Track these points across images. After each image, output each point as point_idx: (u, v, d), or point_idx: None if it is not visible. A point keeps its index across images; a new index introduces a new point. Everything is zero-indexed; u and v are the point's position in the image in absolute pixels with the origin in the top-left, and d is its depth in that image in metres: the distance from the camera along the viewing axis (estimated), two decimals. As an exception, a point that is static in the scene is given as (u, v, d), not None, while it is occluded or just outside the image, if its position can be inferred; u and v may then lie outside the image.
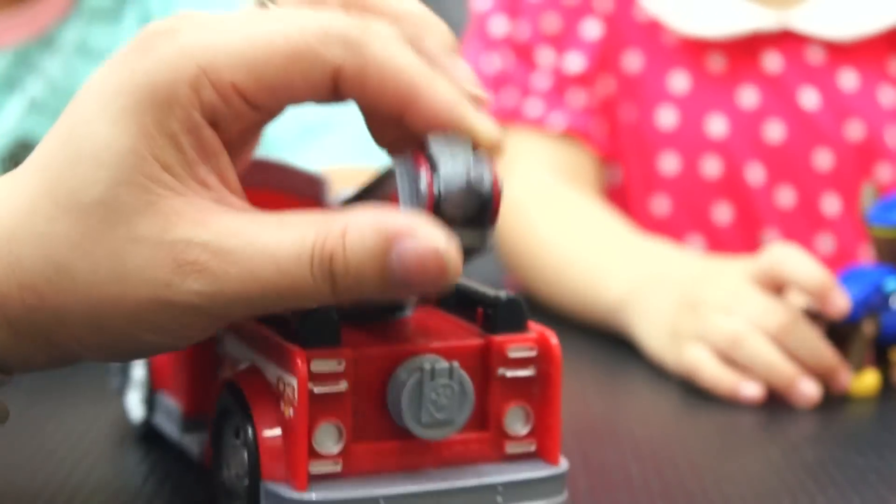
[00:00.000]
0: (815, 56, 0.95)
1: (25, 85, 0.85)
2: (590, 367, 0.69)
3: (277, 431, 0.41)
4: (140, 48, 0.38)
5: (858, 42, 0.95)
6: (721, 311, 0.66)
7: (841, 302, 0.63)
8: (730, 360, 0.65)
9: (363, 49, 0.37)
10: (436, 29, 0.40)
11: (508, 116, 0.95)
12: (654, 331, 0.71)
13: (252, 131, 0.43)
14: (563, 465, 0.43)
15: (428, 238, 0.36)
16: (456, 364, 0.41)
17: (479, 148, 0.39)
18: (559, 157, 0.94)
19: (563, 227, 0.87)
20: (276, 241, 0.37)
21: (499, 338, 0.43)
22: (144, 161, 0.37)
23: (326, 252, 0.36)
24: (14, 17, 0.86)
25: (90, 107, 0.38)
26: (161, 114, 0.37)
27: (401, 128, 0.39)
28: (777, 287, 0.66)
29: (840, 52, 0.95)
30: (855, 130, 0.94)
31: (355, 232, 0.36)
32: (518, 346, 0.43)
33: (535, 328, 0.43)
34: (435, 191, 0.37)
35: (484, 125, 0.39)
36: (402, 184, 0.39)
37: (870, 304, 0.65)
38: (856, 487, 0.50)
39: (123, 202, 0.37)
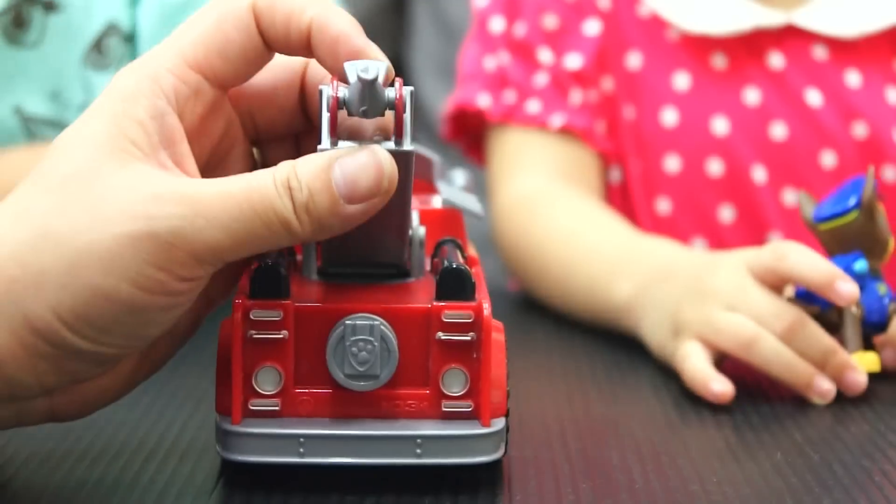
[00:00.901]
0: (820, 54, 0.94)
1: None
2: (591, 368, 0.69)
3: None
4: (113, 78, 0.45)
5: (863, 40, 0.94)
6: (725, 308, 0.66)
7: (849, 287, 0.63)
8: (735, 359, 0.64)
9: None
10: (341, 12, 0.45)
11: (509, 115, 0.94)
12: (658, 324, 0.70)
13: (230, 126, 0.49)
14: (496, 426, 0.47)
15: (363, 151, 0.43)
16: (378, 322, 0.46)
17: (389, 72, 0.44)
18: (560, 155, 0.93)
19: (567, 228, 0.86)
20: (241, 176, 0.43)
21: (438, 304, 0.47)
22: (116, 137, 0.43)
23: (283, 174, 0.43)
24: None
25: (73, 123, 0.45)
26: (129, 104, 0.43)
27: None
28: (778, 282, 0.65)
29: (845, 50, 0.94)
30: (860, 130, 0.94)
31: (302, 160, 0.43)
32: (453, 313, 0.47)
33: (481, 297, 0.47)
34: (340, 94, 0.43)
35: (376, 52, 0.45)
36: (321, 100, 0.44)
37: None
38: (862, 489, 0.50)
39: (99, 167, 0.42)
